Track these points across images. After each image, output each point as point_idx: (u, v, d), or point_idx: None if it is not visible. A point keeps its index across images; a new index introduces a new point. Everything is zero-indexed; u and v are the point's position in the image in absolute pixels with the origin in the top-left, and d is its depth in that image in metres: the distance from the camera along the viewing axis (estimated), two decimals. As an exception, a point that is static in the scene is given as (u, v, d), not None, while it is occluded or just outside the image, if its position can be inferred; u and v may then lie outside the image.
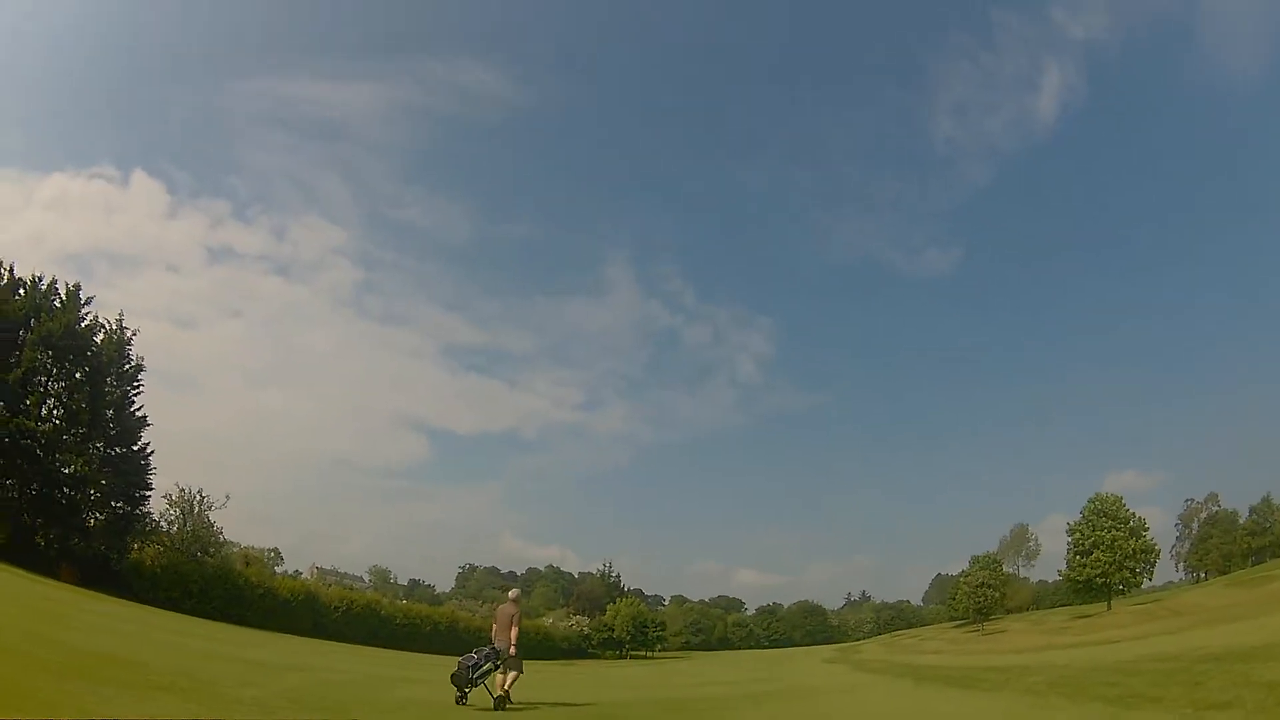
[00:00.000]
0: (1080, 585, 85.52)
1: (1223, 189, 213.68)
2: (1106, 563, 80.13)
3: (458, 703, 17.98)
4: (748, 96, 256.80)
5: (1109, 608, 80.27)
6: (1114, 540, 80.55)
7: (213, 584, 47.07)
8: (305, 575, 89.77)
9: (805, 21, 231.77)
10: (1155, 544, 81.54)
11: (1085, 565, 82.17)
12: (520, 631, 19.04)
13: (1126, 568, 79.80)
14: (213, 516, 52.45)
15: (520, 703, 18.89)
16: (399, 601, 76.09)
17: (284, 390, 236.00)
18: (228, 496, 53.30)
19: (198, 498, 51.75)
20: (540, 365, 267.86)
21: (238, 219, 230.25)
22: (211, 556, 51.92)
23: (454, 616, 71.85)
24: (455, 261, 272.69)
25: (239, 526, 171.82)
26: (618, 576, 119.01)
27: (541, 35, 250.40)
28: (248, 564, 58.72)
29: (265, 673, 20.96)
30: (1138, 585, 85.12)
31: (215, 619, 43.10)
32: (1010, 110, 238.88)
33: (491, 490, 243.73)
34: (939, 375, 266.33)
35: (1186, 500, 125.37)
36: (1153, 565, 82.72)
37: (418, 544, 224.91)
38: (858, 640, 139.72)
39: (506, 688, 18.27)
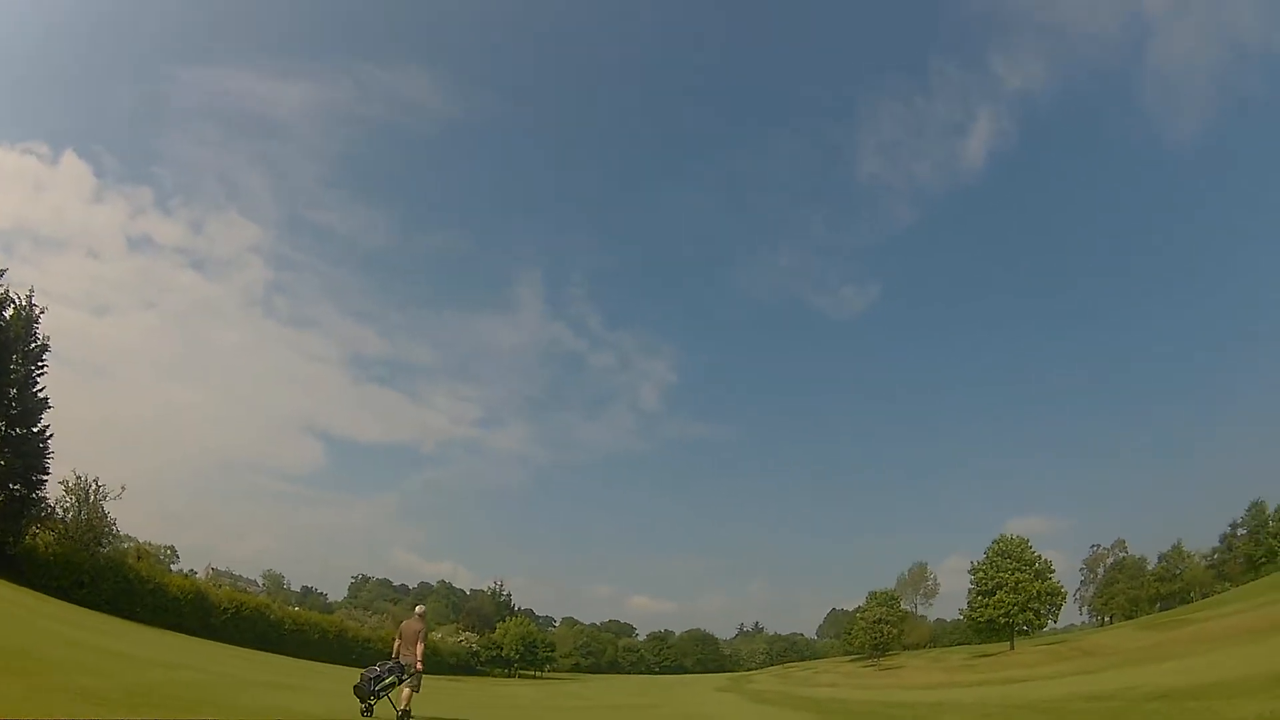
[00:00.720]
0: (982, 625, 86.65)
1: (1147, 244, 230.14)
2: (1010, 604, 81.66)
3: (363, 715, 18.10)
4: (676, 124, 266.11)
5: (1012, 647, 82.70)
6: (1018, 582, 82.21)
7: (103, 575, 45.46)
8: (200, 575, 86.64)
9: (742, 54, 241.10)
10: (1061, 587, 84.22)
11: (988, 605, 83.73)
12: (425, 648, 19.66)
13: (1030, 609, 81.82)
14: (107, 507, 50.49)
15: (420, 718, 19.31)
16: (290, 607, 73.58)
17: (191, 386, 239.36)
18: (123, 487, 51.31)
19: (93, 486, 49.82)
20: (442, 379, 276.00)
21: (159, 209, 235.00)
22: (104, 547, 50.10)
23: (343, 626, 70.40)
24: (368, 269, 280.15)
25: (136, 521, 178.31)
26: (509, 595, 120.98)
27: (480, 49, 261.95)
28: (139, 558, 57.13)
29: (123, 665, 20.85)
30: (1042, 627, 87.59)
31: (105, 611, 42.19)
32: (938, 153, 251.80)
33: (387, 502, 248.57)
34: (846, 412, 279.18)
35: (1092, 546, 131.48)
36: (1058, 608, 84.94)
37: (311, 551, 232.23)
38: (749, 670, 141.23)
39: (404, 701, 18.60)
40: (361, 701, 18.37)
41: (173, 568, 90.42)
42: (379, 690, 18.59)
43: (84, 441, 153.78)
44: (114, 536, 52.67)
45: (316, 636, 61.70)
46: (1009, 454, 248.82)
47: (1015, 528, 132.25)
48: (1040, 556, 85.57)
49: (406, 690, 18.77)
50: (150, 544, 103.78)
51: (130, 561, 51.89)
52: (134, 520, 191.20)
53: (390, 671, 18.88)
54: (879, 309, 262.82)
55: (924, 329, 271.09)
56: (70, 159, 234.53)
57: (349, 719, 17.68)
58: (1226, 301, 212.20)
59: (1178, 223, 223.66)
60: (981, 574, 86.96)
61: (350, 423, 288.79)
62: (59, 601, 38.73)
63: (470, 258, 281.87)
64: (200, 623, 50.22)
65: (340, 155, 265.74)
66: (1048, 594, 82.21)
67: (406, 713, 18.29)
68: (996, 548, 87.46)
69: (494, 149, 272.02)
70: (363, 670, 19.50)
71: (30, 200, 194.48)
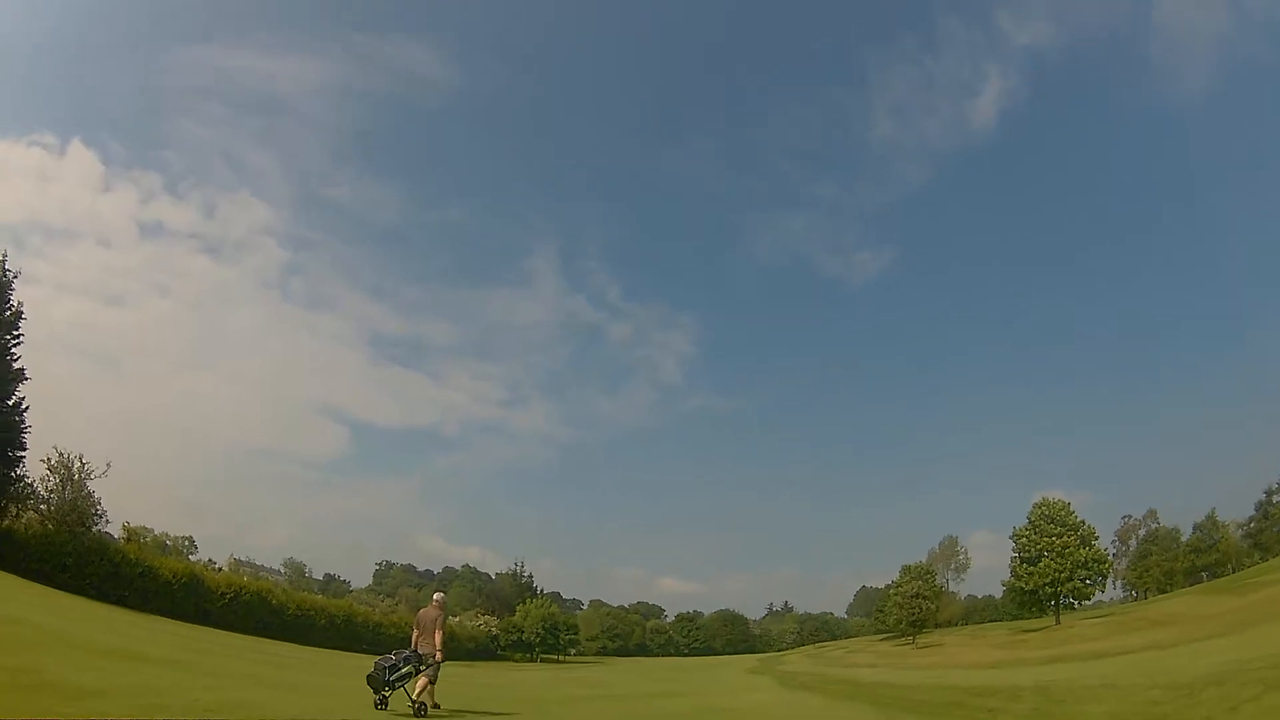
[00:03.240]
0: (1026, 596, 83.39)
1: (1163, 204, 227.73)
2: (1056, 571, 78.25)
3: (377, 707, 17.61)
4: (686, 92, 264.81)
5: (1057, 621, 79.26)
6: (1064, 547, 78.74)
7: (88, 559, 44.18)
8: (221, 567, 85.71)
9: (749, 19, 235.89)
10: (1108, 553, 79.97)
11: (1033, 574, 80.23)
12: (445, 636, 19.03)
13: (1076, 578, 78.24)
14: (93, 486, 49.66)
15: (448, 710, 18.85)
16: (296, 591, 71.80)
17: (207, 373, 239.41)
18: (109, 464, 50.37)
19: (78, 465, 48.77)
20: (461, 358, 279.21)
21: (170, 193, 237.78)
22: (89, 529, 48.97)
23: (352, 611, 68.58)
24: (382, 245, 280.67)
25: (155, 513, 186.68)
26: (530, 576, 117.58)
27: (486, 20, 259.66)
28: (129, 539, 55.80)
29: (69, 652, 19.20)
30: (1088, 597, 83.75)
31: (91, 597, 41.29)
32: (948, 113, 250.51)
33: (410, 486, 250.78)
34: (867, 383, 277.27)
35: (1124, 517, 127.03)
36: (1104, 576, 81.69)
37: (335, 538, 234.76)
38: (781, 651, 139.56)
39: (419, 691, 17.80)
40: (375, 692, 17.84)
41: (191, 558, 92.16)
42: (394, 681, 18.00)
43: (99, 432, 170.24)
44: (98, 516, 51.10)
45: (324, 623, 59.91)
46: (1033, 425, 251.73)
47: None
48: (1084, 522, 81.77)
49: (423, 679, 18.04)
50: (166, 534, 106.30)
51: (119, 544, 51.04)
52: (152, 512, 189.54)
53: (407, 661, 18.32)
54: (896, 271, 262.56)
55: (941, 293, 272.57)
56: (77, 148, 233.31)
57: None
58: (1250, 262, 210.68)
59: (1197, 183, 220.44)
60: (1024, 540, 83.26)
61: (371, 406, 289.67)
62: (38, 586, 37.97)
63: (484, 231, 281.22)
64: (195, 608, 48.81)
65: (348, 131, 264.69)
66: (1094, 561, 78.94)
67: (423, 704, 17.58)
68: (1039, 511, 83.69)
69: (502, 120, 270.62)
70: (377, 659, 18.71)
71: (39, 192, 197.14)
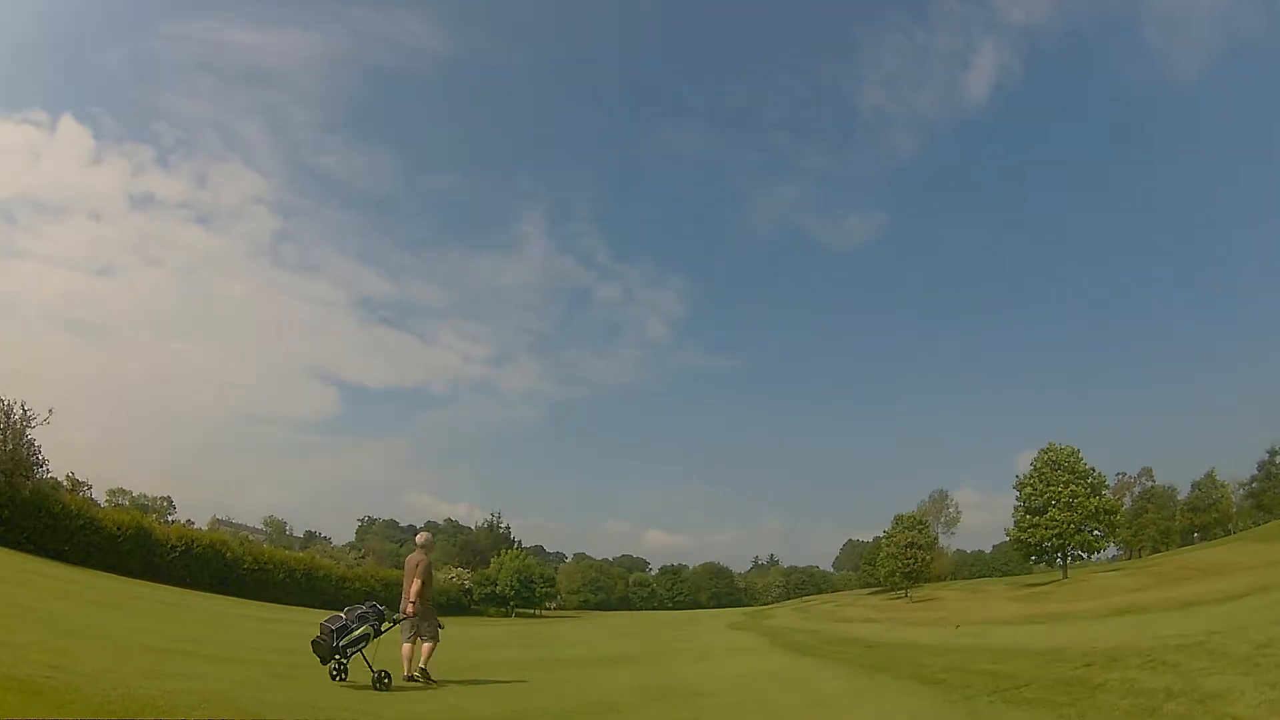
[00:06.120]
0: (1031, 548, 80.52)
1: (1152, 183, 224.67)
2: (1064, 523, 74.99)
3: (333, 677, 14.27)
4: (676, 57, 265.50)
5: (1065, 575, 76.59)
6: (1073, 496, 75.32)
7: (25, 511, 42.59)
8: (201, 527, 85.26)
9: None
10: (1119, 503, 77.08)
11: (1038, 526, 76.99)
12: (424, 587, 15.88)
13: (1086, 530, 75.68)
14: (33, 434, 47.60)
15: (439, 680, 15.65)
16: (254, 544, 68.77)
17: (199, 341, 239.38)
18: (50, 411, 48.62)
19: (18, 412, 46.98)
20: (450, 319, 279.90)
21: (160, 165, 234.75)
22: (28, 479, 46.85)
23: (313, 564, 66.93)
24: (372, 211, 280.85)
25: (147, 479, 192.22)
26: (507, 528, 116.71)
27: None
28: (72, 489, 54.52)
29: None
30: (1099, 550, 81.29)
31: (29, 551, 39.58)
32: (941, 85, 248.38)
33: (399, 445, 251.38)
34: (855, 344, 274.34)
35: (1117, 474, 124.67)
36: (1115, 528, 79.35)
37: (326, 500, 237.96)
38: (766, 604, 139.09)
39: (425, 663, 15.35)
40: (324, 662, 14.29)
41: (169, 519, 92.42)
42: (345, 646, 14.18)
43: (92, 402, 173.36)
44: (39, 467, 48.89)
45: (282, 576, 58.27)
46: (1021, 383, 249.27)
47: (1024, 462, 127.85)
48: (1094, 469, 78.38)
49: (427, 644, 15.49)
50: (146, 495, 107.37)
51: (63, 496, 49.16)
52: (142, 478, 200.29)
53: (363, 619, 14.50)
54: (886, 236, 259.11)
55: (930, 257, 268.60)
56: (68, 123, 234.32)
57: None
58: (1241, 233, 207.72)
59: (1183, 156, 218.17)
60: (1029, 489, 79.70)
61: (360, 367, 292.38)
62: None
63: (472, 195, 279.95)
64: (143, 563, 47.14)
65: (338, 100, 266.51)
66: (1105, 512, 75.52)
67: (424, 671, 15.26)
68: (1045, 458, 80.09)
69: (492, 87, 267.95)
70: (323, 619, 14.81)
71: (30, 168, 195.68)
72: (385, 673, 14.09)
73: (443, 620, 16.81)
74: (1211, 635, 17.16)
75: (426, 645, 15.45)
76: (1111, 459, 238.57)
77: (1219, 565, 50.90)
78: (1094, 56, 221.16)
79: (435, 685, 15.16)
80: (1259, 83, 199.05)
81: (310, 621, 15.50)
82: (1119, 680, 13.42)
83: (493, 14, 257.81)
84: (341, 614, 14.71)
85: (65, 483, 55.42)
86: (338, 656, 14.23)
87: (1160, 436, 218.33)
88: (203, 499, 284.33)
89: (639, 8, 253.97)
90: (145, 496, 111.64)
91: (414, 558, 16.11)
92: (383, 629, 14.81)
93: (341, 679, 14.23)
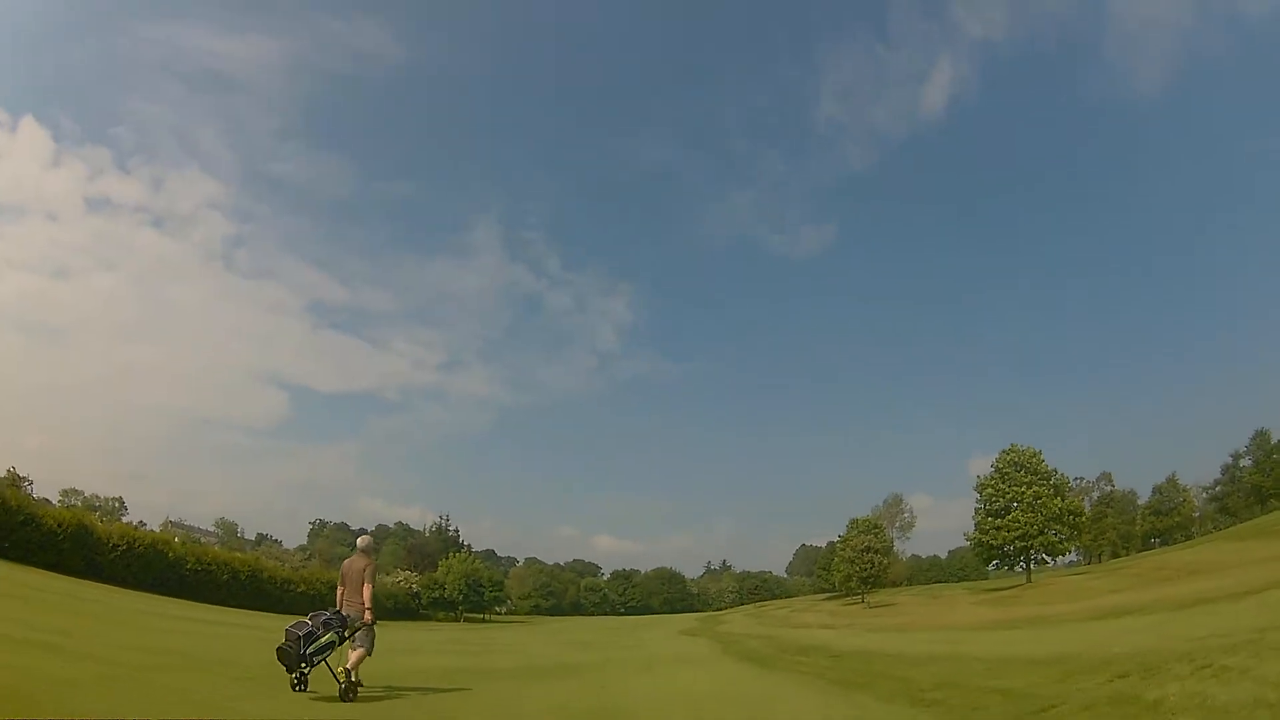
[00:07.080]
0: (993, 551, 79.45)
1: (1109, 195, 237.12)
2: (1027, 524, 74.43)
3: (294, 688, 13.84)
4: (631, 65, 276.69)
5: (1029, 580, 76.39)
6: (1036, 497, 74.92)
7: None
8: (154, 529, 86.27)
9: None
10: (1083, 504, 77.43)
11: (1001, 528, 76.21)
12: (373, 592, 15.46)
13: (1049, 532, 75.02)
14: None
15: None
16: (197, 544, 66.88)
17: (152, 345, 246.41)
18: None
19: None
20: (402, 325, 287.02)
21: (118, 169, 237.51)
22: None
23: (258, 565, 64.59)
24: (327, 218, 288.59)
25: (98, 483, 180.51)
26: (455, 531, 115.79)
27: None
28: (13, 484, 53.40)
29: None
30: (1063, 553, 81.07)
31: None
32: (897, 98, 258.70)
33: (351, 450, 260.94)
34: (805, 352, 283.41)
35: (1075, 478, 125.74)
36: (1080, 530, 79.09)
37: (278, 504, 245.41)
38: (719, 610, 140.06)
39: (351, 666, 14.22)
40: (290, 670, 13.96)
41: (123, 519, 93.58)
42: (313, 654, 14.07)
43: (43, 405, 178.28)
44: None
45: (226, 578, 55.97)
46: (969, 391, 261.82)
47: (977, 468, 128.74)
48: (1056, 470, 78.46)
49: (358, 650, 14.58)
50: (96, 495, 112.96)
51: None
52: (95, 482, 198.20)
53: (328, 626, 14.48)
54: (836, 247, 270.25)
55: (881, 267, 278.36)
56: (29, 124, 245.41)
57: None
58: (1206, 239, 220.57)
59: (1145, 173, 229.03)
60: (991, 490, 78.85)
61: (311, 372, 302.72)
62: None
63: (429, 203, 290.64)
64: (84, 562, 45.43)
65: (297, 107, 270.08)
66: (1069, 514, 75.37)
67: (354, 682, 14.09)
68: (1007, 459, 79.34)
69: (450, 95, 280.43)
70: (289, 624, 14.51)
71: None
72: (355, 679, 13.90)
73: (384, 625, 16.06)
74: (1264, 632, 15.50)
75: (358, 653, 14.60)
76: (1066, 466, 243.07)
77: (1201, 565, 50.67)
78: (1054, 71, 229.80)
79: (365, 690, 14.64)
80: (1219, 98, 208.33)
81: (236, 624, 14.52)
82: (1180, 694, 11.04)
83: (451, 20, 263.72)
84: (308, 620, 14.31)
85: (5, 476, 53.57)
86: (303, 665, 13.81)
87: (1116, 444, 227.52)
88: (158, 502, 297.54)
89: (595, 15, 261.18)
90: (97, 497, 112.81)
91: (358, 562, 15.72)
92: (345, 635, 14.55)
93: (302, 689, 13.71)
